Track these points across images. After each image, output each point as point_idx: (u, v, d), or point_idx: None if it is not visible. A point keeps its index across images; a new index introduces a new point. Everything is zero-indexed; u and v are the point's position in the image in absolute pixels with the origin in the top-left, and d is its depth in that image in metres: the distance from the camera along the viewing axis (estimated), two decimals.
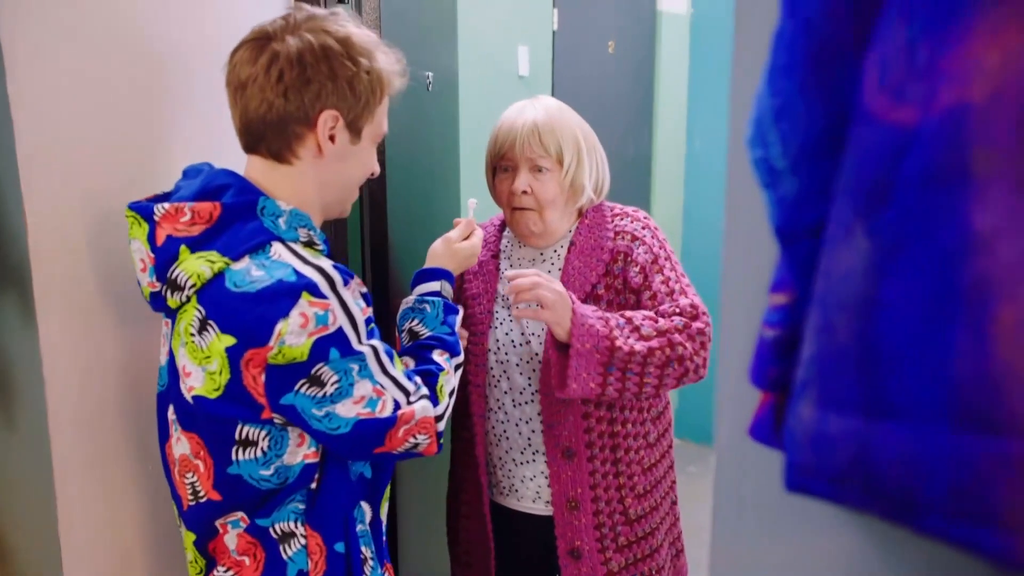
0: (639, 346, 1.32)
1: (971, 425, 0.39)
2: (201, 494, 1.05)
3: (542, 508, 1.50)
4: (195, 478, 1.04)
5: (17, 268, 1.05)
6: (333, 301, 0.96)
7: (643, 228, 1.46)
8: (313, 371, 0.96)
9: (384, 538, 1.18)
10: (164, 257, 1.00)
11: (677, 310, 1.37)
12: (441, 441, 1.11)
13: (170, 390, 1.05)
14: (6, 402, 1.13)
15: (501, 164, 1.46)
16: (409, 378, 1.07)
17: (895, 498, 0.44)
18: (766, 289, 0.58)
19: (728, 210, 0.62)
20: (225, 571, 1.06)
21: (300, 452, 1.02)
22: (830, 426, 0.47)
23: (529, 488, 1.50)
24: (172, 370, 1.04)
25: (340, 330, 0.97)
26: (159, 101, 1.21)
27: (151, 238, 1.01)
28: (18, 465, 1.15)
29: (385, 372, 1.03)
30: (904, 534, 0.53)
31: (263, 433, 1.01)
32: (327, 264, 0.99)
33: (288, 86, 0.99)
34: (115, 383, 1.16)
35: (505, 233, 1.57)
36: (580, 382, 1.31)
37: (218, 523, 1.06)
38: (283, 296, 0.94)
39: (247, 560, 1.05)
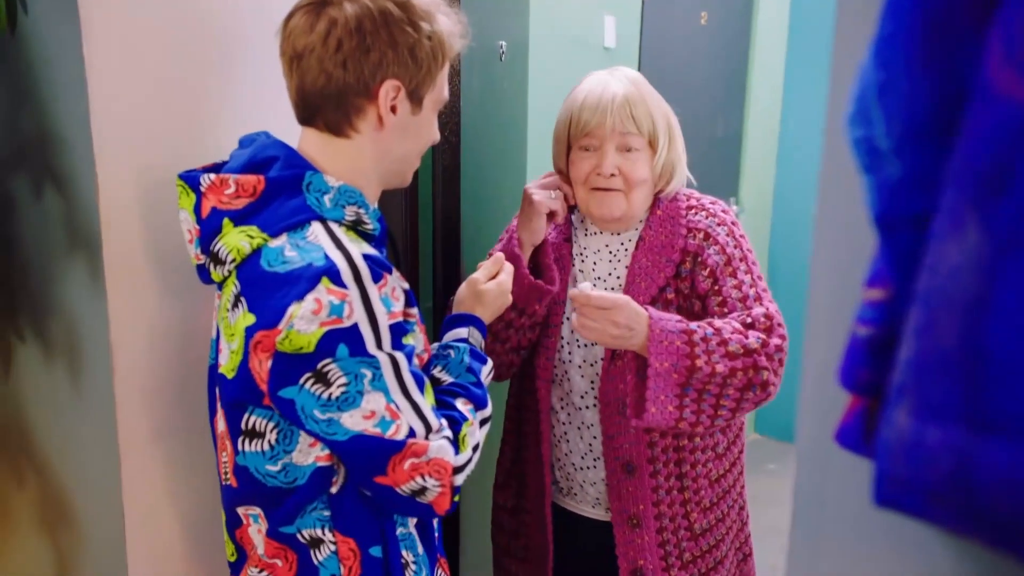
0: (721, 367, 1.22)
1: None
2: (227, 476, 1.04)
3: (602, 514, 1.43)
4: (226, 458, 1.03)
5: (87, 232, 1.07)
6: (353, 292, 0.90)
7: (719, 224, 1.34)
8: (319, 366, 0.89)
9: (437, 534, 1.15)
10: (208, 229, 0.98)
11: (750, 320, 1.27)
12: (455, 499, 0.99)
13: (216, 364, 1.04)
14: (74, 366, 1.17)
15: (583, 144, 1.34)
16: (437, 416, 0.97)
17: (999, 522, 0.40)
18: (859, 283, 0.53)
19: (821, 194, 0.58)
20: (259, 571, 1.04)
21: (312, 453, 0.97)
22: (928, 437, 0.43)
23: (589, 493, 1.44)
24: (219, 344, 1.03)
25: (355, 327, 0.89)
26: (233, 67, 1.21)
27: (197, 209, 0.99)
28: (85, 429, 1.18)
29: (405, 393, 0.94)
30: (1003, 561, 0.48)
31: (271, 425, 0.97)
32: (357, 252, 0.92)
33: (347, 56, 0.94)
34: (179, 353, 1.18)
35: (575, 219, 1.46)
36: (659, 405, 1.22)
37: (239, 511, 1.04)
38: (304, 279, 0.89)
39: (279, 562, 1.02)
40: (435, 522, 1.14)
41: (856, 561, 0.58)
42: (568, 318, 1.41)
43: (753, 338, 1.24)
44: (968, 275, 0.41)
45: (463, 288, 1.27)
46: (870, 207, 0.49)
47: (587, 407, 1.40)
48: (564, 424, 1.43)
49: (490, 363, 1.16)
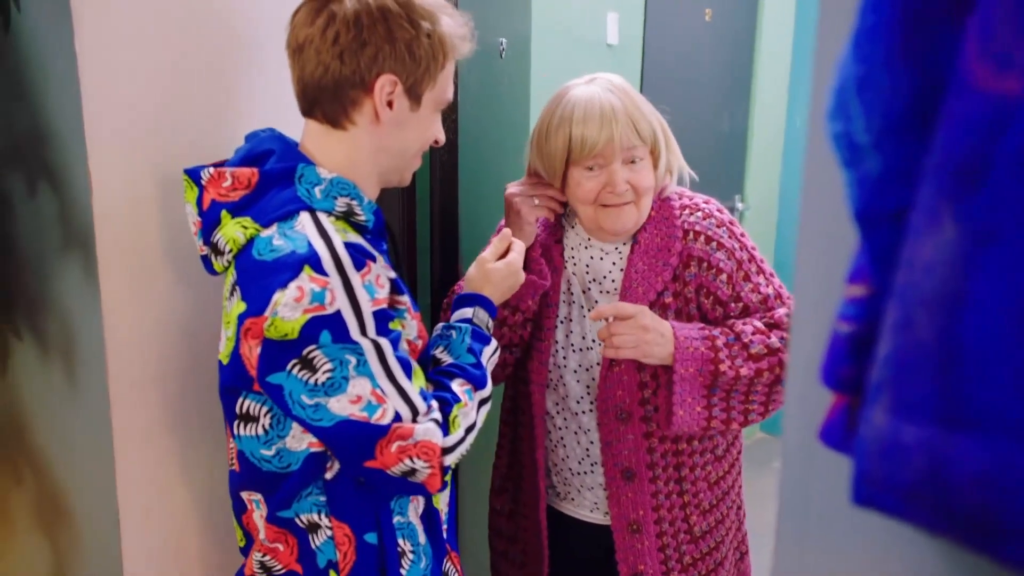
0: (745, 370, 1.23)
1: None
2: (232, 461, 1.07)
3: (600, 518, 1.43)
4: (232, 444, 1.06)
5: (81, 229, 1.08)
6: (334, 280, 0.92)
7: (717, 226, 1.32)
8: (304, 352, 0.92)
9: (445, 527, 1.15)
10: (208, 221, 1.01)
11: (773, 321, 1.27)
12: (446, 479, 1.01)
13: None
14: (69, 363, 1.17)
15: (587, 163, 1.29)
16: (424, 398, 0.99)
17: (972, 521, 0.39)
18: (842, 279, 0.53)
19: (805, 191, 0.57)
20: (262, 556, 1.06)
21: (305, 439, 0.99)
22: (903, 435, 0.42)
23: (587, 499, 1.43)
24: None
25: (338, 313, 0.92)
26: (227, 65, 1.22)
27: (199, 202, 1.02)
28: (79, 427, 1.19)
29: (391, 377, 0.96)
30: (984, 561, 0.48)
31: (264, 410, 0.99)
32: (340, 240, 0.95)
33: (344, 48, 0.97)
34: (176, 346, 1.18)
35: (565, 223, 1.42)
36: (687, 408, 1.23)
37: (243, 496, 1.07)
38: (287, 267, 0.92)
39: (280, 546, 1.05)
40: (443, 515, 1.15)
41: (842, 558, 0.58)
42: (567, 319, 1.39)
43: (776, 338, 1.25)
44: (944, 270, 0.40)
45: (472, 268, 1.26)
46: (850, 202, 0.49)
47: (583, 412, 1.39)
48: (560, 429, 1.42)
49: (494, 343, 1.16)
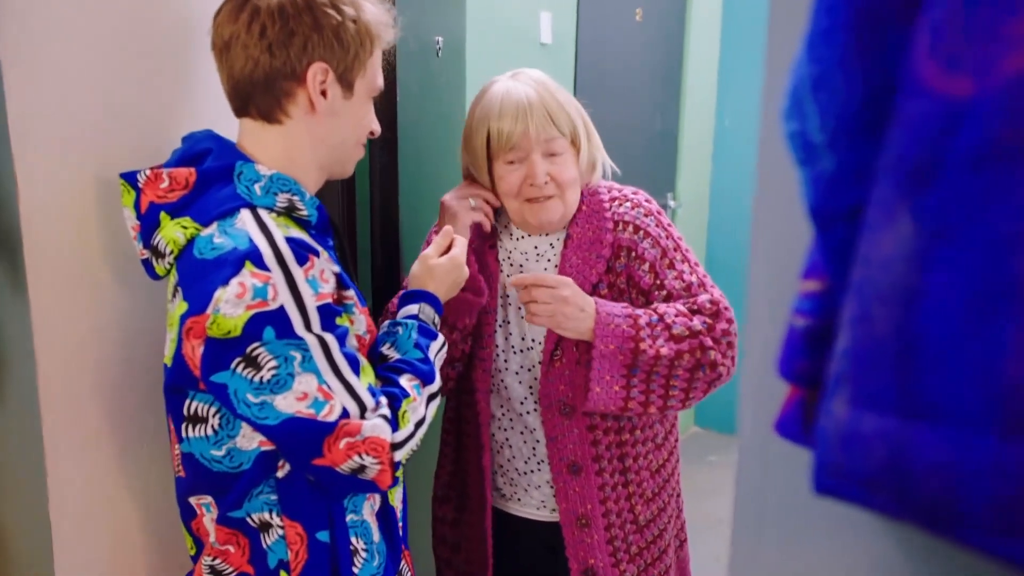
0: (666, 349, 1.23)
1: (1021, 432, 0.36)
2: (178, 467, 1.04)
3: (547, 515, 1.44)
4: (176, 451, 1.04)
5: (7, 234, 1.03)
6: (276, 275, 0.90)
7: (645, 215, 1.34)
8: (248, 350, 0.90)
9: (400, 524, 1.15)
10: (147, 224, 0.99)
11: (695, 307, 1.28)
12: (397, 475, 1.00)
13: None
14: None
15: (507, 157, 1.31)
16: (373, 394, 0.98)
17: (931, 507, 0.41)
18: (796, 275, 0.54)
19: (758, 188, 0.58)
20: (212, 559, 1.04)
21: (256, 438, 0.98)
22: (864, 425, 0.43)
23: (534, 497, 1.44)
24: None
25: (281, 309, 0.90)
26: (165, 66, 1.18)
27: (136, 205, 1.00)
28: (7, 442, 1.14)
29: (337, 373, 0.94)
30: (939, 544, 0.50)
31: (213, 410, 0.98)
32: (281, 235, 0.93)
33: (272, 41, 0.96)
34: (113, 354, 1.14)
35: (500, 224, 1.43)
36: (604, 386, 1.23)
37: (191, 501, 1.04)
38: (228, 264, 0.91)
39: (231, 548, 1.03)
40: (398, 513, 1.14)
41: (798, 549, 0.59)
42: (505, 323, 1.40)
43: (698, 321, 1.26)
44: (900, 265, 0.42)
45: (416, 265, 1.26)
46: (805, 200, 0.50)
47: (528, 412, 1.39)
48: (506, 431, 1.42)
49: (441, 338, 1.16)
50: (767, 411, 0.58)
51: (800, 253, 0.55)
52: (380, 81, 1.08)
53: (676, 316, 1.26)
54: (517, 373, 1.39)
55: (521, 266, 1.40)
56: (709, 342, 1.25)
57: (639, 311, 1.26)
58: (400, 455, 0.99)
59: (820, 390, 0.51)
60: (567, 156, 1.31)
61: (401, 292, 1.23)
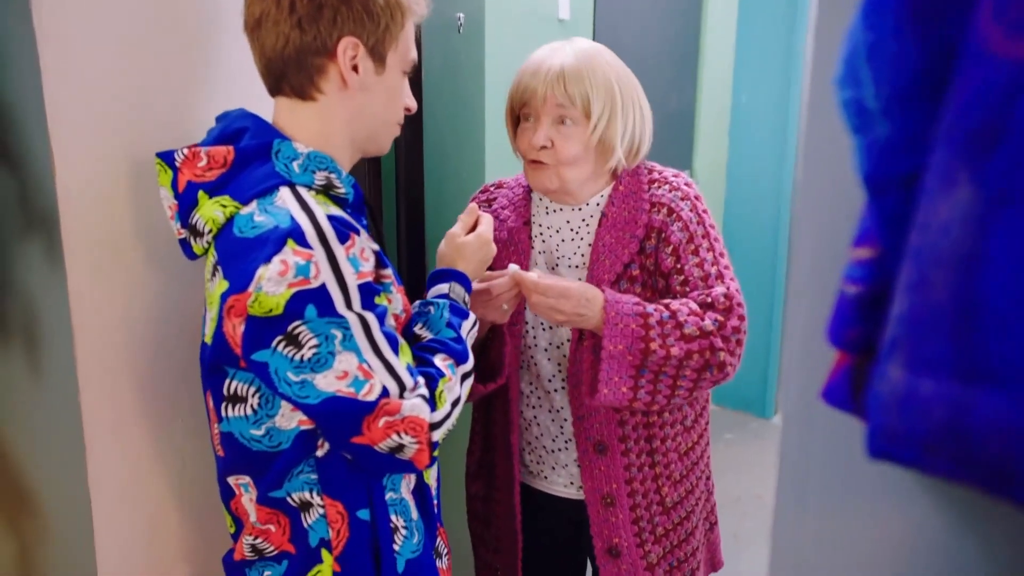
0: (676, 349, 1.22)
1: None
2: (216, 447, 1.05)
3: (574, 493, 1.44)
4: (215, 430, 1.04)
5: (44, 213, 1.04)
6: (319, 253, 0.90)
7: (682, 199, 1.33)
8: (290, 328, 0.90)
9: (436, 502, 1.15)
10: (185, 203, 0.99)
11: (709, 300, 1.26)
12: (435, 454, 1.00)
13: None
14: (33, 352, 1.13)
15: (523, 112, 1.31)
16: (411, 374, 0.98)
17: (992, 468, 0.41)
18: (842, 245, 0.54)
19: (805, 158, 0.58)
20: (254, 539, 1.05)
21: (295, 417, 0.98)
22: (922, 389, 0.44)
23: (561, 475, 1.44)
24: None
25: (323, 287, 0.90)
26: (199, 45, 1.18)
27: (174, 184, 1.00)
28: (46, 417, 1.15)
29: (378, 352, 0.94)
30: (989, 513, 0.50)
31: (252, 389, 0.98)
32: (322, 213, 0.93)
33: (301, 15, 0.96)
34: (147, 332, 1.15)
35: (534, 197, 1.43)
36: (612, 387, 1.22)
37: (230, 481, 1.05)
38: (271, 242, 0.90)
39: (272, 527, 1.03)
40: (433, 491, 1.14)
41: (842, 520, 0.60)
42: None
43: (709, 320, 1.24)
44: (960, 230, 0.42)
45: (443, 244, 1.25)
46: (859, 168, 0.50)
47: (555, 390, 1.39)
48: (534, 408, 1.43)
49: (472, 317, 1.16)
50: (811, 381, 0.58)
51: (845, 222, 0.55)
52: (414, 54, 1.07)
53: (689, 315, 1.23)
54: (546, 350, 1.39)
55: (557, 247, 1.39)
56: (719, 342, 1.24)
57: (650, 307, 1.24)
58: (437, 435, 0.99)
59: (870, 357, 0.51)
60: (575, 129, 1.28)
61: (431, 272, 1.24)
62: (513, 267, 1.25)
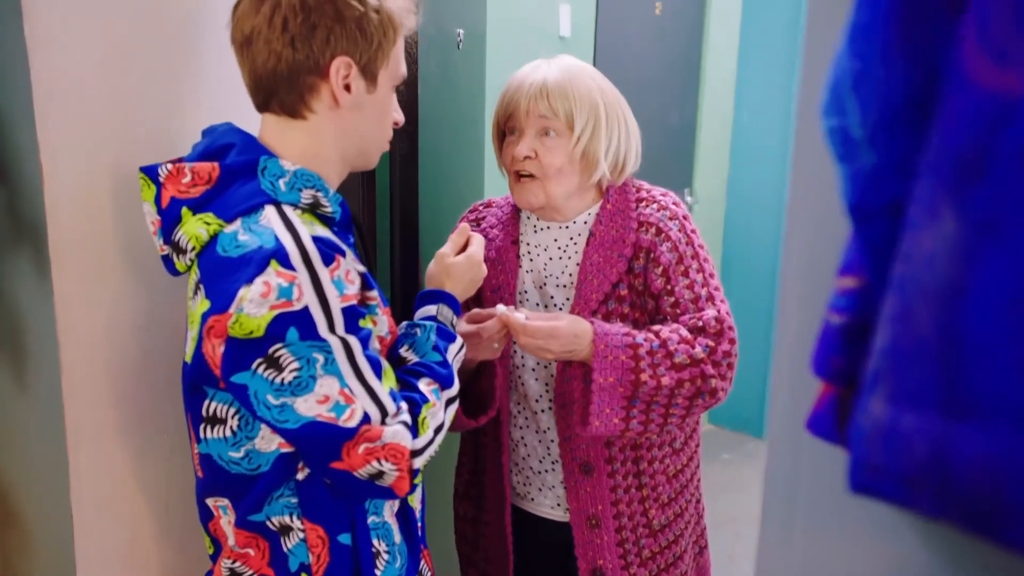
0: (667, 379, 1.21)
1: None
2: (196, 468, 1.03)
3: (561, 515, 1.42)
4: (195, 451, 1.03)
5: (32, 223, 1.03)
6: (302, 275, 0.88)
7: (670, 218, 1.31)
8: (270, 351, 0.88)
9: (420, 524, 1.14)
10: (168, 219, 0.98)
11: (700, 324, 1.25)
12: (416, 482, 0.98)
13: None
14: (18, 362, 1.12)
15: (508, 126, 1.31)
16: (394, 399, 0.96)
17: (974, 506, 0.40)
18: (830, 272, 0.54)
19: (792, 185, 0.58)
20: (232, 563, 1.03)
21: (275, 440, 0.96)
22: (904, 423, 0.43)
23: (548, 497, 1.42)
24: None
25: (306, 310, 0.88)
26: (186, 58, 1.17)
27: (157, 200, 0.98)
28: (30, 429, 1.14)
29: (360, 377, 0.92)
30: (967, 546, 0.49)
31: (232, 411, 0.96)
32: (307, 234, 0.91)
33: (295, 34, 0.94)
34: (134, 346, 1.14)
35: (523, 215, 1.42)
36: (603, 419, 1.21)
37: (209, 503, 1.03)
38: (254, 262, 0.88)
39: (251, 551, 1.01)
40: (417, 513, 1.13)
41: (827, 548, 0.59)
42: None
43: (700, 347, 1.23)
44: (944, 262, 0.41)
45: (432, 264, 1.24)
46: (844, 196, 0.50)
47: (543, 411, 1.38)
48: (521, 429, 1.42)
49: (459, 341, 1.14)
50: (797, 409, 0.57)
51: (833, 250, 0.54)
52: (403, 69, 1.06)
53: (679, 343, 1.23)
54: (534, 370, 1.38)
55: (544, 266, 1.38)
56: (710, 369, 1.22)
57: (640, 337, 1.23)
58: (419, 462, 0.97)
59: (855, 388, 0.50)
60: (559, 141, 1.27)
61: (420, 292, 1.22)
62: (501, 308, 1.24)
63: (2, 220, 1.08)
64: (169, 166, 0.98)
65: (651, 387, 1.21)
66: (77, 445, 1.08)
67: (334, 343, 0.90)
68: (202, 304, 0.93)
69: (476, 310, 1.29)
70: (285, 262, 0.88)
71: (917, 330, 0.43)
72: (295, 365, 0.89)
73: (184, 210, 0.96)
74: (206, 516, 1.05)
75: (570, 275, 1.36)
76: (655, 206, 1.33)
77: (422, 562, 1.13)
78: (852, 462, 0.47)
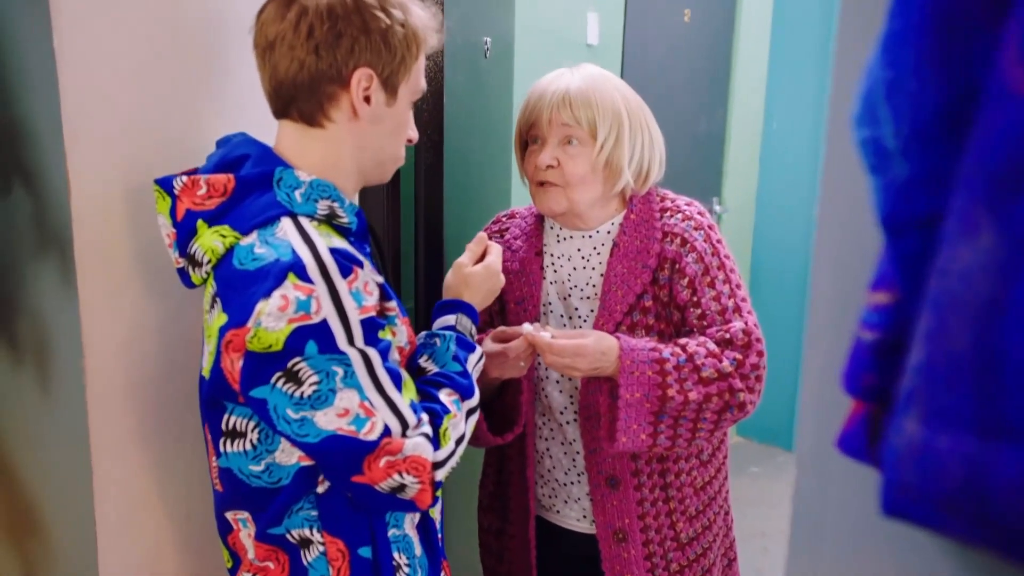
0: (694, 394, 1.20)
1: None
2: (215, 481, 1.03)
3: (587, 527, 1.41)
4: (213, 464, 1.02)
5: (58, 231, 1.04)
6: (320, 287, 0.88)
7: (695, 229, 1.29)
8: (289, 364, 0.88)
9: (440, 535, 1.13)
10: (184, 232, 0.97)
11: (727, 336, 1.24)
12: (437, 494, 0.97)
13: None
14: (43, 370, 1.13)
15: (530, 135, 1.31)
16: (415, 411, 0.95)
17: (1010, 531, 0.39)
18: (860, 287, 0.52)
19: (823, 196, 0.56)
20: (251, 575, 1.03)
21: (295, 453, 0.95)
22: (939, 444, 0.42)
23: (574, 509, 1.41)
24: None
25: (324, 323, 0.87)
26: (208, 69, 1.18)
27: (172, 212, 0.98)
28: (54, 435, 1.14)
29: (380, 389, 0.92)
30: (1012, 573, 0.47)
31: (252, 425, 0.96)
32: (324, 246, 0.91)
33: (319, 42, 0.93)
34: (156, 357, 1.14)
35: (546, 226, 1.40)
36: (631, 435, 1.20)
37: (228, 516, 1.03)
38: (271, 275, 0.88)
39: (271, 564, 1.01)
40: (437, 525, 1.12)
41: (856, 569, 0.57)
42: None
43: (727, 361, 1.22)
44: (982, 277, 0.40)
45: (450, 274, 1.23)
46: (876, 209, 0.48)
47: (568, 422, 1.37)
48: (547, 440, 1.40)
49: (479, 351, 1.13)
50: (827, 427, 0.56)
51: (865, 263, 0.53)
52: (423, 84, 1.06)
53: (706, 357, 1.21)
54: (558, 382, 1.37)
55: (568, 276, 1.37)
56: (738, 383, 1.21)
57: (666, 352, 1.22)
58: (440, 474, 0.96)
59: (888, 406, 0.49)
60: (582, 149, 1.27)
61: (438, 302, 1.22)
62: (527, 326, 1.23)
63: (29, 229, 1.09)
64: (184, 178, 0.97)
65: (678, 402, 1.20)
66: (101, 455, 1.09)
67: (353, 356, 0.90)
68: (219, 318, 0.92)
69: (502, 328, 1.29)
70: (303, 275, 0.88)
71: (953, 348, 0.41)
72: (314, 379, 0.88)
73: (199, 222, 0.96)
74: (225, 529, 1.04)
75: (594, 286, 1.35)
76: (680, 216, 1.32)
77: (443, 574, 1.12)
78: (885, 484, 0.45)
